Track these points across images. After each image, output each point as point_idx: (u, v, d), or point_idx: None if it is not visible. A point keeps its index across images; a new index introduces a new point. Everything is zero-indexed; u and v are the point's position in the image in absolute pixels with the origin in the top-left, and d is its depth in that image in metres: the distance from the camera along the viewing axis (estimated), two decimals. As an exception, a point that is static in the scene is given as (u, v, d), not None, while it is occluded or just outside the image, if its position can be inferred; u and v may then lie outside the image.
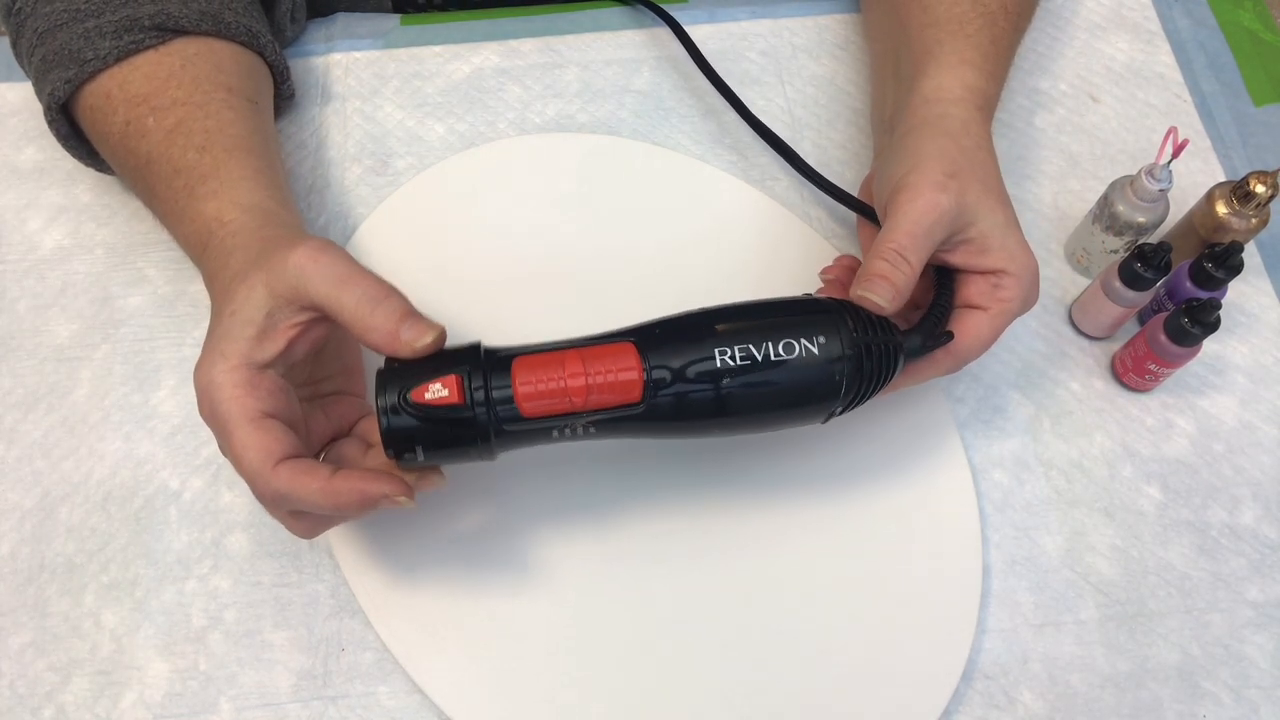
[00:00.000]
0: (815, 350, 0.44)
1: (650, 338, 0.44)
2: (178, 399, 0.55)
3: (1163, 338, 0.53)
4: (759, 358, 0.43)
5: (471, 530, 0.52)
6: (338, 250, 0.43)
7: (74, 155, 0.56)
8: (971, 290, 0.48)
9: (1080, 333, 0.59)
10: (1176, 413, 0.57)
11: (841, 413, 0.46)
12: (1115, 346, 0.58)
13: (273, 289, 0.42)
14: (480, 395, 0.41)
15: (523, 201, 0.60)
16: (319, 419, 0.47)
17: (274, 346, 0.42)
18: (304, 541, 0.52)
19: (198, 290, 0.58)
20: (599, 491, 0.53)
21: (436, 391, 0.41)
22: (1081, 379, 0.57)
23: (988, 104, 0.52)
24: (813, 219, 0.61)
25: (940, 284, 0.49)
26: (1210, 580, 0.53)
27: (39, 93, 0.54)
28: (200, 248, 0.48)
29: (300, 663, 0.50)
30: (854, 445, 0.54)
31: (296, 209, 0.53)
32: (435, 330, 0.42)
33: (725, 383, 0.43)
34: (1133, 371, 0.56)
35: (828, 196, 0.56)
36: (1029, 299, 0.48)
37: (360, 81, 0.65)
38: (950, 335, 0.48)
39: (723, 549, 0.52)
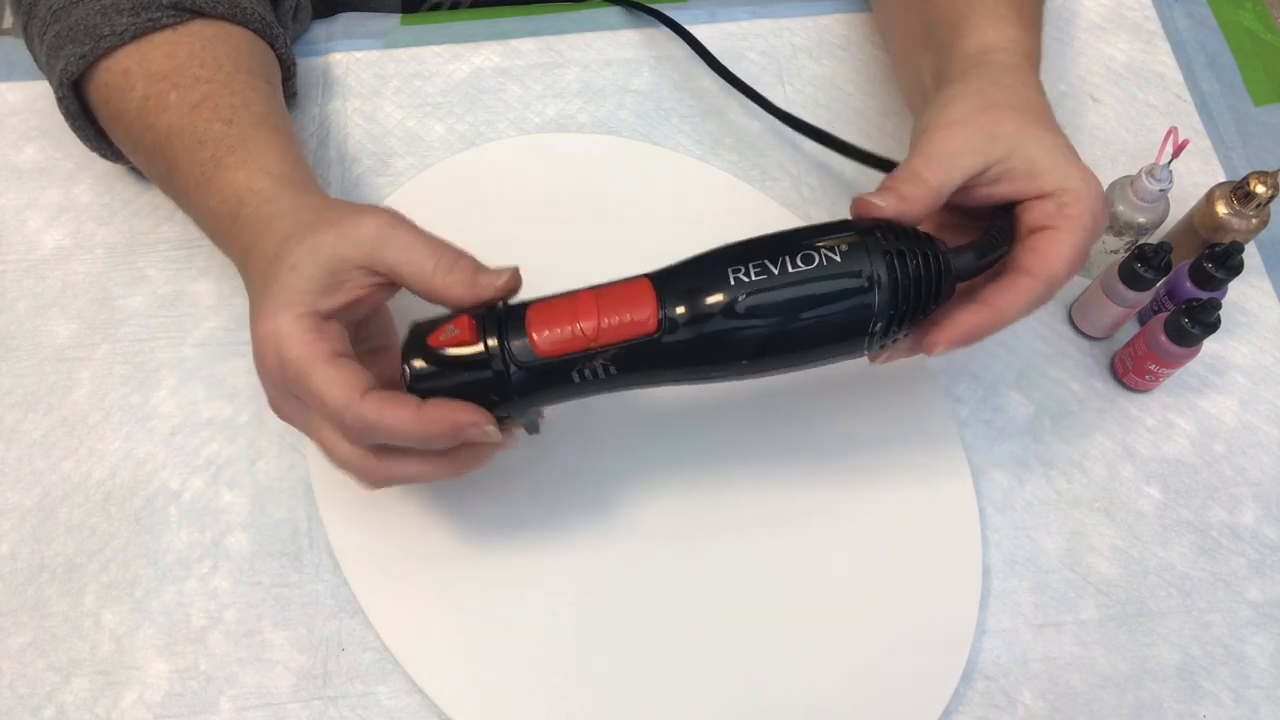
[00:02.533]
0: (838, 259, 0.41)
1: (666, 272, 0.43)
2: (178, 399, 0.55)
3: (1163, 338, 0.53)
4: (775, 271, 0.41)
5: (472, 530, 0.52)
6: (410, 222, 0.44)
7: (80, 136, 0.56)
8: (1035, 214, 0.45)
9: (1080, 333, 0.59)
10: (1176, 413, 0.57)
11: (887, 336, 0.43)
12: (1115, 346, 0.58)
13: (341, 252, 0.42)
14: (495, 338, 0.41)
15: (523, 201, 0.60)
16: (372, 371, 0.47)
17: (338, 301, 0.42)
18: (304, 541, 0.52)
19: (198, 290, 0.58)
20: (598, 492, 0.53)
21: (450, 333, 0.41)
22: (1081, 379, 0.57)
23: (1031, 54, 0.50)
24: (813, 219, 0.61)
25: (998, 212, 0.45)
26: (1210, 580, 0.53)
27: (49, 70, 0.53)
28: (230, 217, 0.48)
29: (300, 663, 0.50)
30: (854, 445, 0.54)
31: (319, 186, 0.52)
32: (509, 269, 0.43)
33: (741, 300, 0.41)
34: (1133, 371, 0.56)
35: (827, 195, 0.56)
36: (1098, 217, 0.45)
37: (360, 81, 0.65)
38: (1008, 246, 0.44)
39: (722, 549, 0.52)
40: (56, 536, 0.52)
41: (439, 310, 0.43)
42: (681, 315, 0.41)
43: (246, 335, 0.56)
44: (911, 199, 0.43)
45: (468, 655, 0.49)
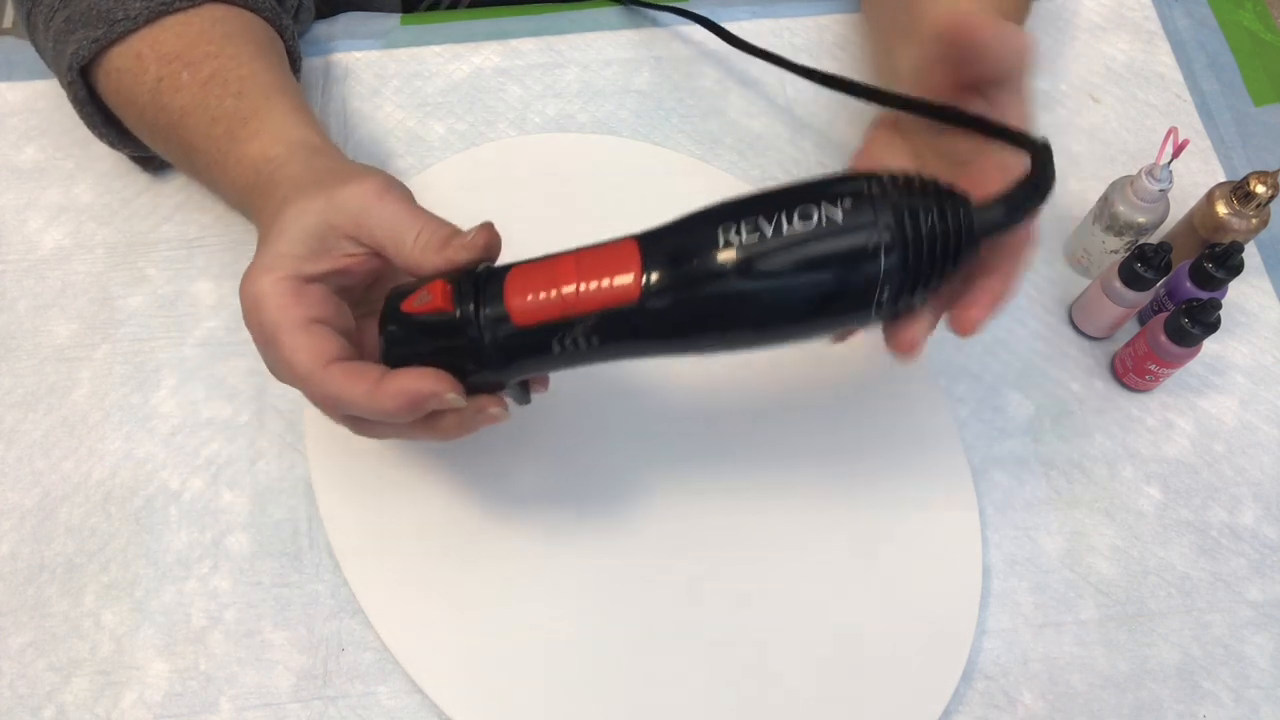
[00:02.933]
0: (839, 217, 0.36)
1: (653, 234, 0.39)
2: (178, 399, 0.55)
3: (1163, 338, 0.53)
4: (768, 232, 0.36)
5: (472, 531, 0.52)
6: (401, 191, 0.43)
7: (88, 123, 0.55)
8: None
9: (1080, 333, 0.59)
10: (1176, 413, 0.57)
11: (898, 303, 0.38)
12: (1115, 346, 0.58)
13: (328, 219, 0.42)
14: (470, 304, 0.39)
15: (523, 201, 0.60)
16: (373, 334, 0.46)
17: (322, 267, 0.42)
18: (304, 541, 0.52)
19: (198, 290, 0.58)
20: (598, 493, 0.53)
21: (424, 299, 0.39)
22: (1081, 379, 0.57)
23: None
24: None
25: (1035, 164, 0.40)
26: (1210, 580, 0.53)
27: (57, 56, 0.53)
28: (248, 189, 0.48)
29: (300, 663, 0.50)
30: (854, 444, 0.54)
31: (335, 145, 0.52)
32: (481, 225, 0.41)
33: (731, 261, 0.36)
34: (1133, 371, 0.56)
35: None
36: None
37: (360, 81, 0.65)
38: (1039, 204, 0.38)
39: (722, 549, 0.52)
40: (56, 536, 0.52)
41: None
42: (665, 280, 0.37)
43: (247, 335, 0.56)
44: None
45: (468, 655, 0.49)
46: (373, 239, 0.42)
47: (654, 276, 0.37)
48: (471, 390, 0.41)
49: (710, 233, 0.37)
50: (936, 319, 0.41)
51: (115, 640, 0.50)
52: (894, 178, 0.37)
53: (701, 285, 0.37)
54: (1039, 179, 0.39)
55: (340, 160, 0.48)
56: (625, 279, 0.38)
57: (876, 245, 0.36)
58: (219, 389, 0.55)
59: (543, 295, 0.38)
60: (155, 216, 0.60)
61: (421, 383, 0.39)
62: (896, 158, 0.48)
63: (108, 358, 0.56)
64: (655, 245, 0.38)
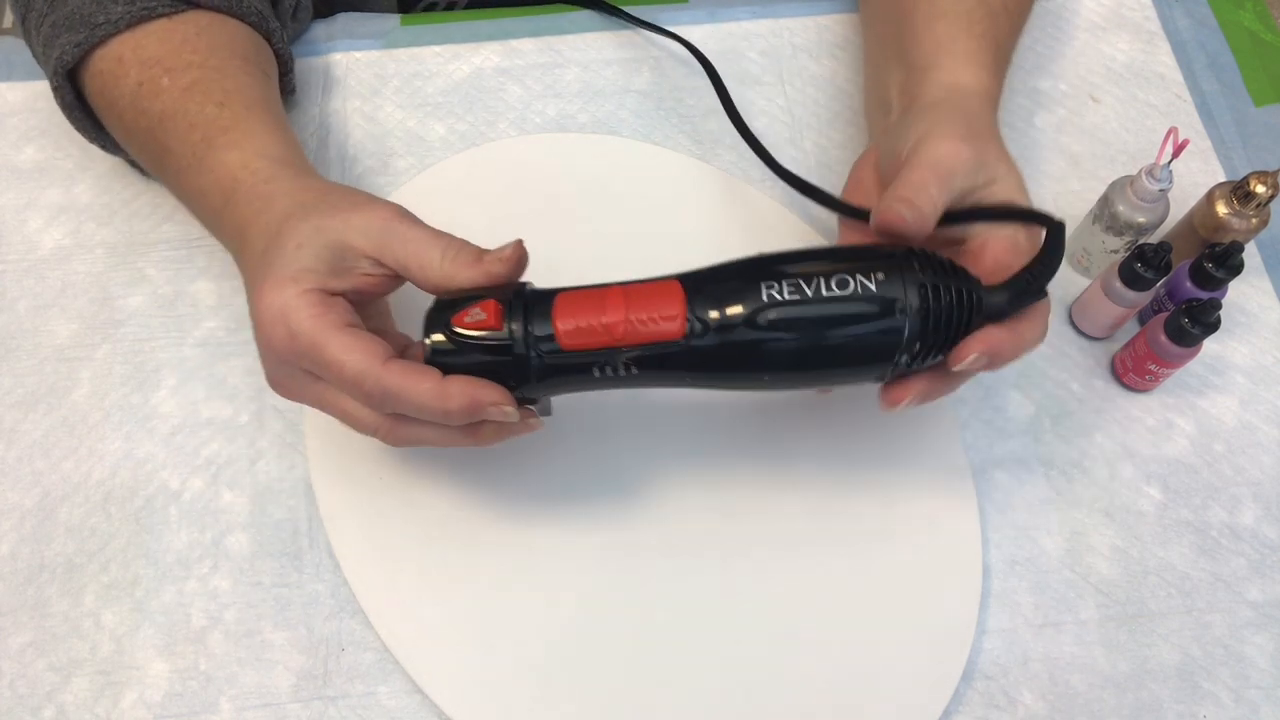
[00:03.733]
0: (873, 287, 0.40)
1: (697, 277, 0.42)
2: (178, 399, 0.55)
3: (1163, 338, 0.53)
4: (809, 293, 0.40)
5: (473, 531, 0.52)
6: (415, 217, 0.44)
7: (77, 127, 0.56)
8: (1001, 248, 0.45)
9: (1080, 333, 0.59)
10: (1176, 413, 0.57)
11: (908, 366, 0.43)
12: (1115, 346, 0.58)
13: (348, 239, 0.42)
14: (519, 324, 0.41)
15: (523, 201, 0.60)
16: None
17: (345, 285, 0.43)
18: (304, 541, 0.52)
19: (198, 290, 0.58)
20: (599, 494, 0.53)
21: (475, 315, 0.41)
22: (1081, 379, 0.57)
23: (996, 101, 0.52)
24: (814, 219, 0.61)
25: (1048, 241, 0.44)
26: (1210, 580, 0.53)
27: (45, 60, 0.53)
28: (223, 196, 0.48)
29: (300, 663, 0.50)
30: (854, 445, 0.54)
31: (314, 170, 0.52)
32: (510, 243, 0.43)
33: (771, 316, 0.40)
34: (1133, 371, 0.56)
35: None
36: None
37: (360, 81, 0.65)
38: (1040, 293, 0.43)
39: (722, 550, 0.52)
40: (56, 536, 0.52)
41: None
42: (709, 324, 0.41)
43: (246, 335, 0.56)
44: (927, 214, 0.43)
45: (468, 655, 0.49)
46: (395, 260, 0.43)
47: (697, 320, 0.41)
48: None
49: (754, 286, 0.41)
50: (928, 387, 0.45)
51: (115, 640, 0.50)
52: (918, 254, 0.41)
53: (741, 331, 0.41)
54: (1035, 278, 0.42)
55: (332, 184, 0.48)
56: (670, 319, 0.41)
57: (902, 311, 0.40)
58: (219, 389, 0.55)
59: (589, 322, 0.41)
60: (155, 216, 0.60)
61: (484, 391, 0.41)
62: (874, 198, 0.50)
63: (108, 358, 0.56)
64: (700, 289, 0.42)
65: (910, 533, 0.52)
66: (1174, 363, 0.54)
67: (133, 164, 0.60)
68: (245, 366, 0.56)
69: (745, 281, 0.41)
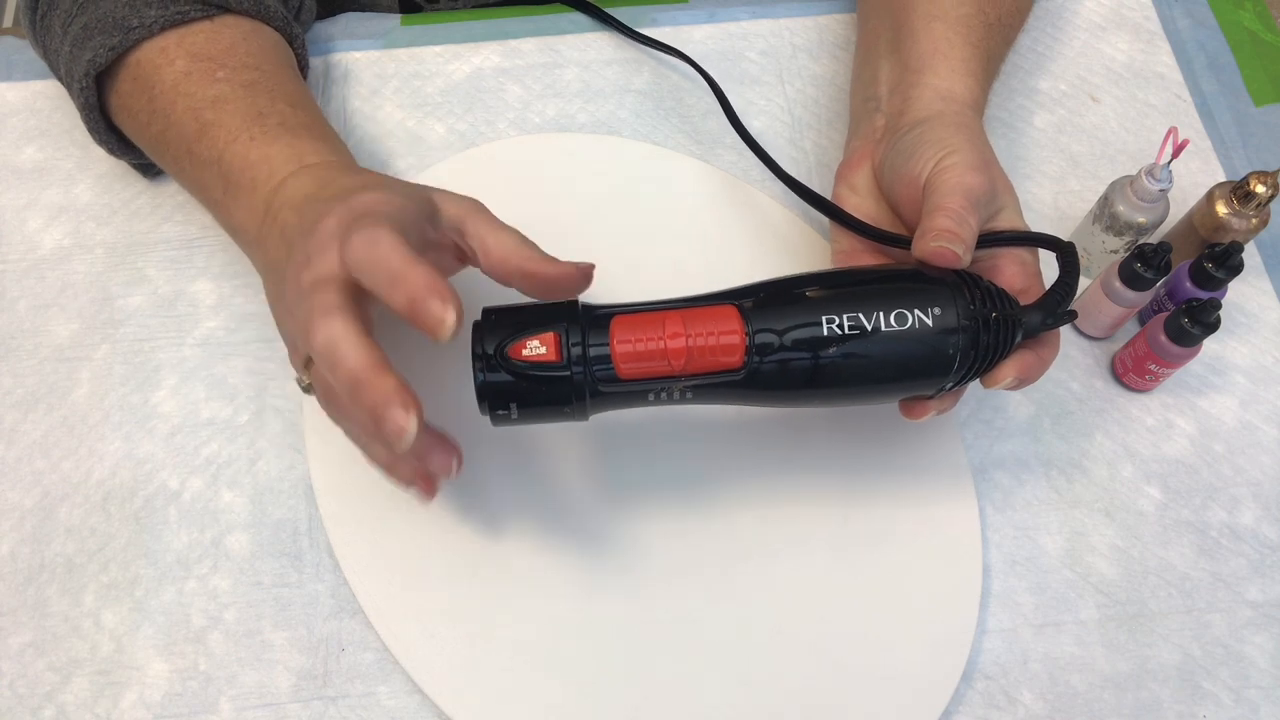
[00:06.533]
0: (930, 322, 0.42)
1: (754, 301, 0.43)
2: (177, 399, 0.55)
3: (1163, 338, 0.53)
4: (869, 328, 0.42)
5: (472, 531, 0.52)
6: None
7: (92, 128, 0.55)
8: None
9: (1080, 333, 0.59)
10: (1176, 413, 0.57)
11: (952, 388, 0.45)
12: (1115, 346, 0.58)
13: (437, 201, 0.44)
14: (578, 353, 0.41)
15: (523, 201, 0.60)
16: None
17: (430, 237, 0.43)
18: (304, 541, 0.52)
19: (198, 290, 0.58)
20: (599, 494, 0.53)
21: (535, 349, 0.41)
22: (1081, 379, 0.57)
23: (982, 110, 0.54)
24: (814, 219, 0.61)
25: (1064, 264, 0.47)
26: (1210, 580, 0.53)
27: (72, 61, 0.53)
28: (298, 161, 0.47)
29: (300, 663, 0.50)
30: (854, 445, 0.54)
31: None
32: (589, 264, 0.43)
33: (832, 352, 0.42)
34: (1133, 371, 0.56)
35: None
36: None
37: (360, 81, 0.65)
38: (1073, 313, 0.46)
39: (722, 549, 0.52)
40: (56, 536, 0.52)
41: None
42: (768, 356, 0.42)
43: (247, 335, 0.57)
44: (970, 245, 0.44)
45: (468, 655, 0.49)
46: (478, 234, 0.43)
47: (758, 351, 0.42)
48: (549, 417, 0.43)
49: (815, 320, 0.42)
50: (953, 399, 0.47)
51: (115, 640, 0.50)
52: (969, 281, 0.43)
53: (799, 364, 0.42)
54: (1063, 295, 0.45)
55: None
56: (730, 350, 0.42)
57: (955, 345, 0.42)
58: (219, 389, 0.55)
59: (647, 347, 0.41)
60: (155, 216, 0.60)
61: (378, 379, 0.37)
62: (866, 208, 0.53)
63: (108, 358, 0.56)
64: (758, 319, 0.42)
65: (910, 533, 0.52)
66: (1174, 363, 0.54)
67: (134, 166, 0.60)
68: (245, 366, 0.56)
69: (804, 311, 0.42)
